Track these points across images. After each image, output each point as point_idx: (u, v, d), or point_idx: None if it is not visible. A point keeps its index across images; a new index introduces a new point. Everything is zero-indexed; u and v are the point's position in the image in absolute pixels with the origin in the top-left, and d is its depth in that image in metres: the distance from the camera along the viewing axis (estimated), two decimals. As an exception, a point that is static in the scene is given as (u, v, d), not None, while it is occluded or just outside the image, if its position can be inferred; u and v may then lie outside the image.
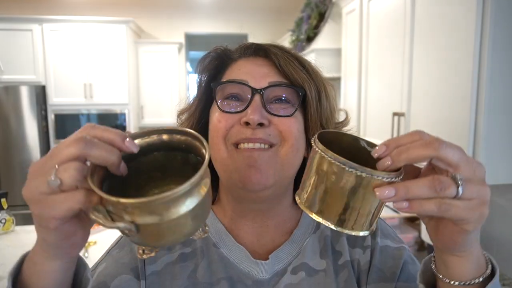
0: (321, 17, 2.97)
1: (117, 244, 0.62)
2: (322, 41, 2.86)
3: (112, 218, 0.35)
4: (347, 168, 0.36)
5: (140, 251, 0.43)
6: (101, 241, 2.07)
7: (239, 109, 0.54)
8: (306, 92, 0.55)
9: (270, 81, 0.55)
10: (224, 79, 0.58)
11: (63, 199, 0.34)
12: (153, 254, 0.43)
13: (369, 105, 2.13)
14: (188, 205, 0.35)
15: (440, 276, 0.45)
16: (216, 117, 0.55)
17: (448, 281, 0.44)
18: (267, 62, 0.57)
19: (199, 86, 0.61)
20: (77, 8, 4.16)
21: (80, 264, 0.45)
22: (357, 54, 2.25)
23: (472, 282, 0.43)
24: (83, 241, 0.39)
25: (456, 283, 0.43)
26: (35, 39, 3.65)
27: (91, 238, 2.09)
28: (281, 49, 0.58)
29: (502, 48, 1.24)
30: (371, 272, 0.59)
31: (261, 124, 0.52)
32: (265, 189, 0.54)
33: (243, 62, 0.59)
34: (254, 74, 0.56)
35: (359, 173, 0.36)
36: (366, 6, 2.13)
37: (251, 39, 4.51)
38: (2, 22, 3.61)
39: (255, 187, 0.53)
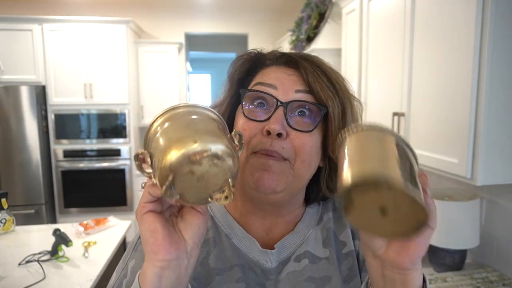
0: (321, 17, 2.97)
1: (139, 238, 0.64)
2: (322, 41, 2.86)
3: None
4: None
5: (218, 197, 0.42)
6: (101, 241, 2.07)
7: (263, 118, 0.57)
8: (329, 110, 0.57)
9: (297, 88, 0.58)
10: (254, 82, 0.61)
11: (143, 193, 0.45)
12: (227, 199, 0.42)
13: (369, 105, 2.13)
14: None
15: None
16: (242, 125, 0.58)
17: None
18: (297, 73, 0.60)
19: (231, 86, 0.64)
20: (77, 8, 4.16)
21: None
22: (357, 54, 2.25)
23: None
24: (164, 242, 0.44)
25: None
26: (35, 39, 3.65)
27: (91, 238, 2.10)
28: (312, 62, 0.59)
29: (502, 48, 1.24)
30: (363, 262, 0.63)
31: (279, 135, 0.55)
32: (275, 193, 0.57)
33: (274, 69, 0.61)
34: (283, 80, 0.58)
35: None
36: (366, 6, 2.13)
37: (251, 39, 4.52)
38: (2, 22, 3.61)
39: (266, 190, 0.56)
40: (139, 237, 0.65)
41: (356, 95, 0.64)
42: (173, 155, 0.38)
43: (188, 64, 4.90)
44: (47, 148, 3.80)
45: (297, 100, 0.57)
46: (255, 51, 0.64)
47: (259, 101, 0.59)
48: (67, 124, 3.82)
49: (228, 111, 0.64)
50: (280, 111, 0.56)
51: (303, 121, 0.57)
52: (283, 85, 0.58)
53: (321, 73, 0.58)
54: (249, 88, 0.61)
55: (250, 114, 0.58)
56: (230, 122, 0.63)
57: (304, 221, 0.65)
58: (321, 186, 0.64)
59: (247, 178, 0.57)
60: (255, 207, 0.63)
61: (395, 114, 1.79)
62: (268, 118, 0.56)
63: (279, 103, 0.56)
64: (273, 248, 0.61)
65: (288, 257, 0.61)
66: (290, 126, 0.56)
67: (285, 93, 0.57)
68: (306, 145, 0.56)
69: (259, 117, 0.57)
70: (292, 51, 0.64)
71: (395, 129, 1.79)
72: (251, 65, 0.64)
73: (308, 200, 0.67)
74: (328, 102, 0.57)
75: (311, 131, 0.57)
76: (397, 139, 0.41)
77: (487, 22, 1.24)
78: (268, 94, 0.57)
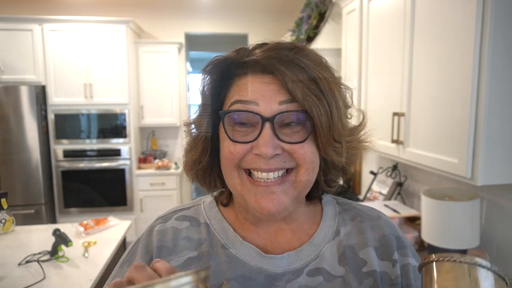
0: (321, 17, 2.97)
1: (127, 256, 0.63)
2: (322, 41, 2.86)
3: None
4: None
5: None
6: (101, 241, 2.07)
7: (250, 138, 0.54)
8: (315, 121, 0.53)
9: (280, 100, 0.53)
10: (231, 100, 0.56)
11: None
12: None
13: (369, 105, 2.13)
14: None
15: None
16: (227, 147, 0.55)
17: None
18: (276, 80, 0.54)
19: (205, 103, 0.59)
20: (77, 8, 4.16)
21: None
22: (357, 54, 2.25)
23: None
24: None
25: None
26: (35, 39, 3.65)
27: (91, 238, 2.09)
28: (290, 62, 0.53)
29: (502, 48, 1.24)
30: None
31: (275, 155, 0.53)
32: (280, 213, 0.55)
33: (250, 79, 0.56)
34: (263, 93, 0.54)
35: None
36: (366, 6, 2.13)
37: (251, 39, 4.52)
38: (2, 22, 3.61)
39: (271, 213, 0.54)
40: (128, 252, 0.64)
41: (355, 94, 0.62)
42: None
43: (188, 64, 4.90)
44: (47, 148, 3.80)
45: (284, 112, 0.53)
46: (221, 56, 0.58)
47: (242, 121, 0.55)
48: (67, 124, 3.82)
49: (211, 130, 0.59)
50: (267, 129, 0.52)
51: (293, 131, 0.54)
52: (264, 98, 0.53)
53: (301, 75, 0.53)
54: (228, 106, 0.56)
55: (235, 136, 0.54)
56: (214, 141, 0.60)
57: (320, 233, 0.62)
58: (318, 181, 0.61)
59: (247, 201, 0.55)
60: (257, 220, 0.61)
61: (395, 114, 1.79)
62: (257, 137, 0.52)
63: (264, 118, 0.52)
64: (280, 254, 0.59)
65: (301, 269, 0.58)
66: (283, 141, 0.53)
67: (269, 107, 0.53)
68: (306, 153, 0.54)
69: (245, 137, 0.54)
70: (267, 43, 0.58)
71: (395, 129, 1.79)
72: (221, 77, 0.58)
73: (308, 197, 0.64)
74: (313, 113, 0.52)
75: (305, 140, 0.53)
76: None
77: (487, 21, 1.24)
78: (251, 112, 0.53)
